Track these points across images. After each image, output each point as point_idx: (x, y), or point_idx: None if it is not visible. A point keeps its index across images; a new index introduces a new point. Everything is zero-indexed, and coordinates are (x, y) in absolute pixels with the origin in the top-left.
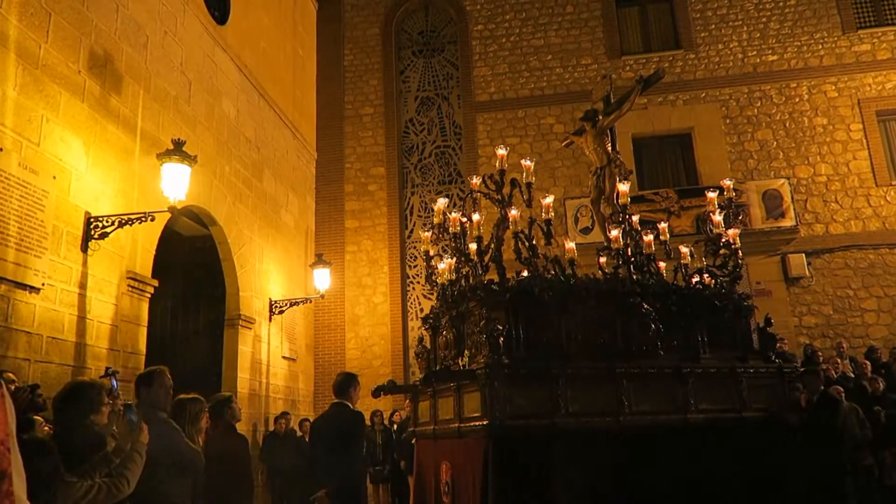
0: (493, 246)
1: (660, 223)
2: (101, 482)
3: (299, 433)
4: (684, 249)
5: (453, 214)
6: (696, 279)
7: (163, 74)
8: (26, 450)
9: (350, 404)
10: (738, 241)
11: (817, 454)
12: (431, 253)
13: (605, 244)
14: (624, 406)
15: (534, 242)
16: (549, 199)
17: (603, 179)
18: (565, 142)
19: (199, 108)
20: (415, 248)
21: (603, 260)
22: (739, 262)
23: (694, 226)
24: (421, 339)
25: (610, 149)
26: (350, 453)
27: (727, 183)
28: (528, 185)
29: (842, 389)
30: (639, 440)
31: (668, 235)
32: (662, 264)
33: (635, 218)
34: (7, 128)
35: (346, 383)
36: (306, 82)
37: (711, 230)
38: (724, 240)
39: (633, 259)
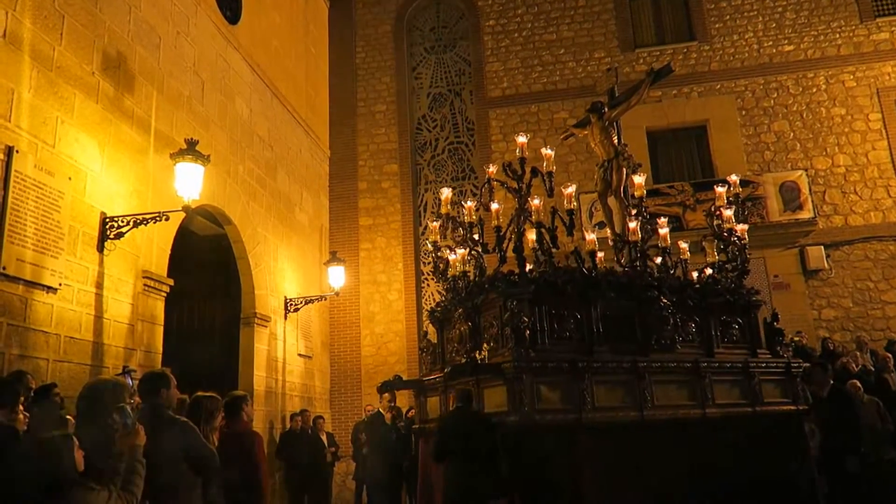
0: (512, 237)
1: (659, 217)
2: (117, 494)
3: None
4: (683, 245)
5: (468, 203)
6: (701, 274)
7: (176, 75)
8: (48, 448)
9: None
10: (746, 237)
11: (833, 449)
12: (440, 244)
13: (614, 237)
14: (647, 400)
15: (555, 234)
16: (572, 189)
17: (610, 172)
18: (565, 135)
19: (212, 108)
20: (429, 244)
21: (601, 255)
22: (747, 257)
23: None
24: (426, 334)
25: (617, 141)
26: None
27: (734, 178)
28: (549, 174)
29: (859, 384)
30: (661, 433)
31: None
32: (658, 259)
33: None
34: (22, 130)
35: None
36: (319, 80)
37: (721, 225)
38: (733, 236)
39: (641, 252)
